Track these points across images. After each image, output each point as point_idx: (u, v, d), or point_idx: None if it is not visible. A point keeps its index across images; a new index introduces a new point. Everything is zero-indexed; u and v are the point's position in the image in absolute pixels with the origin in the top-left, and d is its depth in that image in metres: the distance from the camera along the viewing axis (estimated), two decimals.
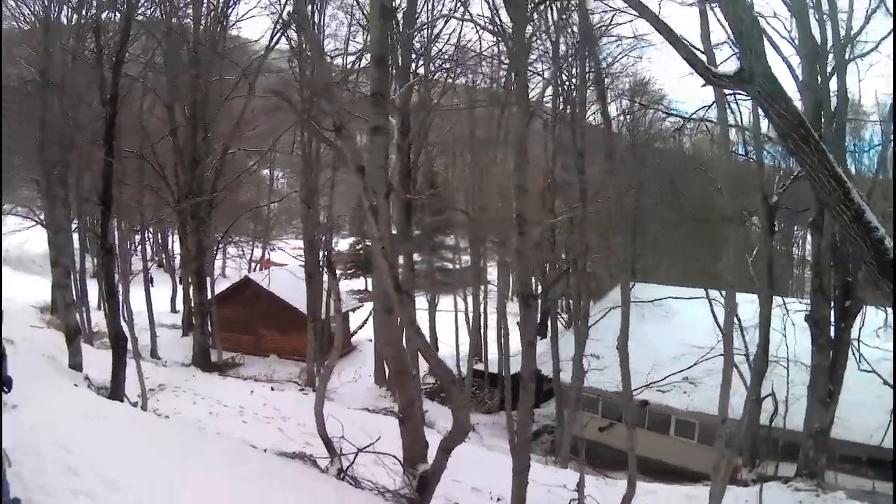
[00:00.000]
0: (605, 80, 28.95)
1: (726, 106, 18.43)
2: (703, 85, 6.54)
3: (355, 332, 36.35)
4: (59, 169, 21.14)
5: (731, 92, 17.77)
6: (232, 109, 34.90)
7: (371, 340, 40.07)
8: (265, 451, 15.08)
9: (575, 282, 29.85)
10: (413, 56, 26.75)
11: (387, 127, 9.92)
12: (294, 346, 36.70)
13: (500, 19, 25.18)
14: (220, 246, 36.33)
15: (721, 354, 16.11)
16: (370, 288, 63.91)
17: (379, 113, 9.36)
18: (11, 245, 52.03)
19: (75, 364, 19.73)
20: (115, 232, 29.70)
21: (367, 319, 38.46)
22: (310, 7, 29.07)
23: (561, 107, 31.86)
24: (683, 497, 19.73)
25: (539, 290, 35.23)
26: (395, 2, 18.39)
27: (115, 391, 16.58)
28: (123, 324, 17.72)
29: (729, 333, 15.68)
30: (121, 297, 19.61)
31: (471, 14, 24.45)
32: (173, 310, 47.44)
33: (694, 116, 20.26)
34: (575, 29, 26.36)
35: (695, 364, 25.14)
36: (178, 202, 31.94)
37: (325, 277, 33.20)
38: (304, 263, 34.26)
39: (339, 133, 9.15)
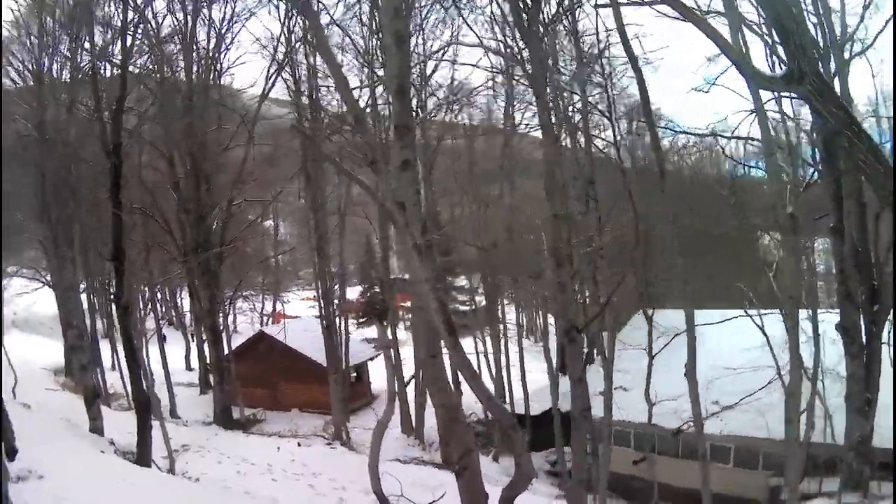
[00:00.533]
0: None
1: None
2: (763, 88, 6.29)
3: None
4: (64, 226, 20.80)
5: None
6: (231, 160, 34.66)
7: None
8: None
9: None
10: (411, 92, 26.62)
11: (414, 161, 9.58)
12: (315, 398, 36.19)
13: (508, 43, 25.06)
14: (231, 300, 35.82)
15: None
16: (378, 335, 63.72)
17: (405, 146, 9.01)
18: (19, 307, 51.83)
19: (96, 428, 19.23)
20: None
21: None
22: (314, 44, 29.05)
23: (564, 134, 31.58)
24: None
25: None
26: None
27: (143, 456, 16.08)
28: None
29: (795, 348, 15.01)
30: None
31: (479, 38, 24.41)
32: (188, 367, 46.72)
33: (705, 132, 20.01)
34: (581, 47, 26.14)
35: (768, 384, 24.39)
36: (185, 256, 31.61)
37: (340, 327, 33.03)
38: (319, 314, 33.93)
39: (374, 166, 8.90)
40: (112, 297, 45.69)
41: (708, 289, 36.49)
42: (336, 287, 34.80)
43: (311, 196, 31.38)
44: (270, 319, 52.81)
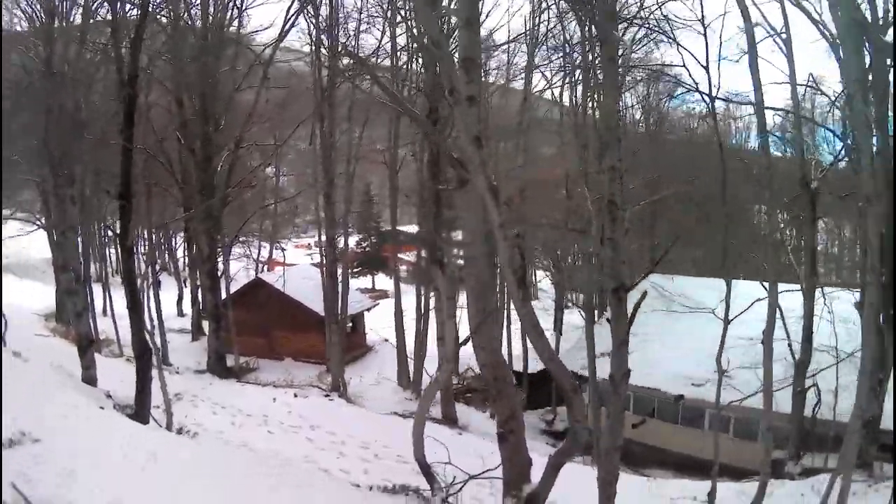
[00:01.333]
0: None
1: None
2: None
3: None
4: (68, 164, 19.81)
5: None
6: (240, 104, 33.83)
7: (387, 340, 39.27)
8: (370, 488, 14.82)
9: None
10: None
11: (480, 97, 8.98)
12: (309, 347, 36.14)
13: None
14: (230, 246, 35.17)
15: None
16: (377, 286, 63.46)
17: (472, 81, 8.41)
18: (11, 251, 51.34)
19: (89, 377, 18.71)
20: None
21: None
22: None
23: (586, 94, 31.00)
24: (736, 493, 18.87)
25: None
26: None
27: (141, 410, 15.29)
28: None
29: (770, 324, 15.69)
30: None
31: None
32: (180, 313, 46.33)
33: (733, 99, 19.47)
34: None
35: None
36: (186, 200, 30.89)
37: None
38: (320, 262, 33.49)
39: (453, 96, 8.38)
40: (114, 238, 45.44)
41: (715, 259, 35.99)
42: (340, 235, 34.21)
43: (323, 140, 30.54)
44: (266, 266, 52.19)
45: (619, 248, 9.03)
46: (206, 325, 39.08)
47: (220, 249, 32.29)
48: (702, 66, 17.82)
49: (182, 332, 40.78)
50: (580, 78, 31.68)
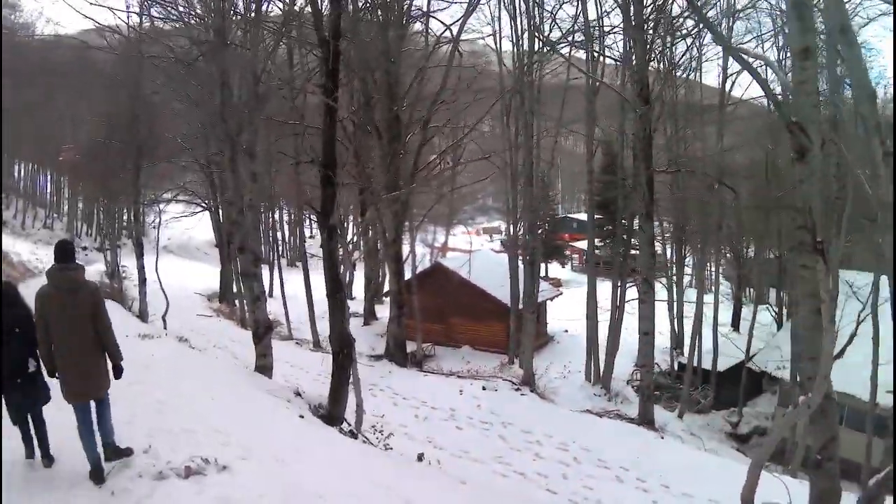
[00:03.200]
0: None
1: None
2: None
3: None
4: (249, 139, 18.16)
5: None
6: (425, 84, 31.83)
7: (566, 331, 38.05)
8: None
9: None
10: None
11: (816, 49, 6.99)
12: (491, 336, 34.98)
13: None
14: (416, 229, 34.06)
15: None
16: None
17: (808, 29, 6.48)
18: (174, 232, 52.33)
19: (264, 366, 17.60)
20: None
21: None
22: None
23: None
24: None
25: None
26: None
27: (335, 409, 13.79)
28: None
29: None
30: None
31: None
32: (350, 297, 45.21)
33: None
34: None
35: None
36: (367, 182, 29.50)
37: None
38: (515, 249, 33.62)
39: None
40: (299, 215, 45.19)
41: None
42: (539, 222, 32.78)
43: (523, 121, 28.81)
44: (439, 252, 50.87)
45: None
46: (377, 309, 39.69)
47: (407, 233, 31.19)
48: None
49: (354, 316, 39.37)
50: None
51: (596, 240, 39.39)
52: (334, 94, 12.02)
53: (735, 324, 38.22)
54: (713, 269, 41.50)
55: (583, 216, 59.56)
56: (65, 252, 7.40)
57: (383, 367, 27.62)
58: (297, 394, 15.10)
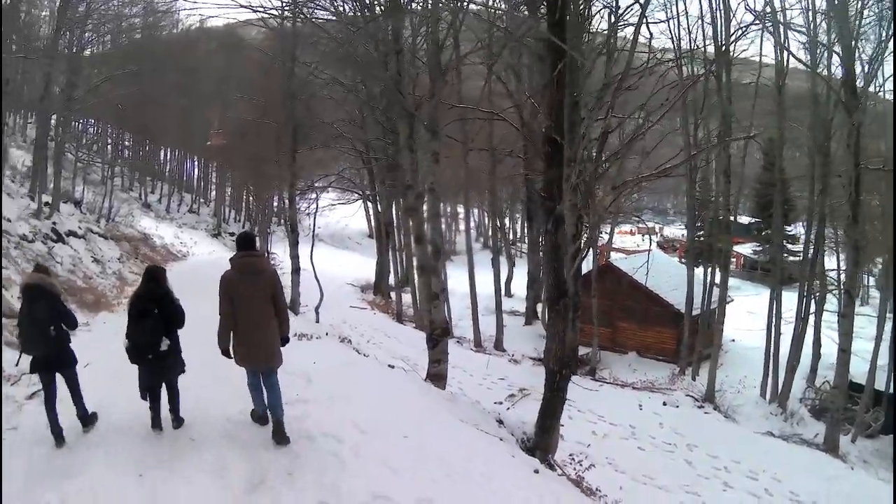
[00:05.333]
0: None
1: None
2: None
3: None
4: (430, 112, 16.24)
5: None
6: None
7: (734, 341, 35.40)
8: None
9: None
10: None
11: None
12: (660, 343, 33.27)
13: None
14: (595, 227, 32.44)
15: None
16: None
17: None
18: (328, 221, 52.08)
19: (438, 374, 15.49)
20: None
21: None
22: None
23: None
24: None
25: None
26: None
27: (543, 445, 11.49)
28: None
29: None
30: None
31: None
32: (507, 294, 43.39)
33: None
34: None
35: None
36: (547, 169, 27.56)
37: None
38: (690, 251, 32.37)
39: None
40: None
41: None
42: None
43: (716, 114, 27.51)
44: (603, 250, 48.84)
45: None
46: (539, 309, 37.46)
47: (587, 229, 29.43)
48: None
49: (513, 315, 38.30)
50: None
51: (754, 244, 37.00)
52: (562, 36, 9.75)
53: None
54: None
55: (744, 219, 56.75)
56: (247, 241, 8.51)
57: None
58: (499, 421, 12.91)
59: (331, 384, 10.73)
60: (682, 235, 60.91)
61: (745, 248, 55.86)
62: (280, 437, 8.24)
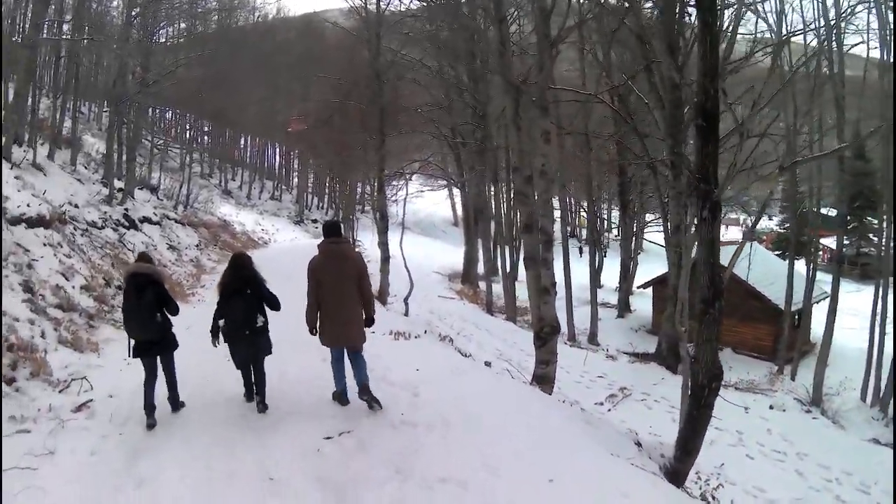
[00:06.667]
0: None
1: None
2: None
3: None
4: (540, 85, 15.11)
5: None
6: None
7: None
8: None
9: None
10: None
11: None
12: (756, 340, 32.04)
13: None
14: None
15: None
16: None
17: None
18: (416, 208, 51.75)
19: (545, 377, 13.98)
20: None
21: None
22: None
23: None
24: None
25: None
26: None
27: (682, 469, 10.26)
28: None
29: None
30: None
31: None
32: (598, 285, 42.56)
33: None
34: None
35: None
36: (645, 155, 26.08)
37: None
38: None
39: None
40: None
41: None
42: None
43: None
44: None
45: None
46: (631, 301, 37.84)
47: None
48: None
49: (604, 307, 37.25)
50: None
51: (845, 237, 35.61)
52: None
53: None
54: None
55: (831, 211, 55.07)
56: (334, 229, 9.18)
57: (653, 371, 24.42)
58: (638, 444, 11.69)
59: (441, 402, 9.43)
60: (771, 227, 59.60)
61: (832, 241, 54.18)
62: (367, 396, 8.91)
